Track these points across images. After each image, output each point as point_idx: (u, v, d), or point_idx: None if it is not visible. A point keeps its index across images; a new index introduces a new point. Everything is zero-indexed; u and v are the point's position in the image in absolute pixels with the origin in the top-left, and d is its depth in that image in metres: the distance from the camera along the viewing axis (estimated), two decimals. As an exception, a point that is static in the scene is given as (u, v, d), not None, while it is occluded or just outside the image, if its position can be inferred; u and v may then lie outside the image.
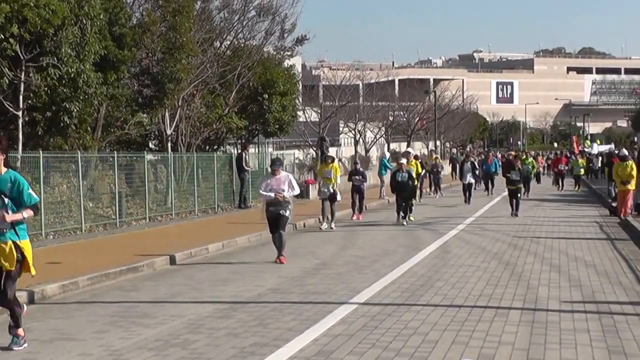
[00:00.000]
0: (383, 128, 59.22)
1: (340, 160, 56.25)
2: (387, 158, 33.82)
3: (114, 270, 12.89)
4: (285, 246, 14.23)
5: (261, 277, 12.47)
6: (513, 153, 33.82)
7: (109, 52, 19.98)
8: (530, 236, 18.31)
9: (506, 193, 25.72)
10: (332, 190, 20.47)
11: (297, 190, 14.35)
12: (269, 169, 14.95)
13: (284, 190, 14.04)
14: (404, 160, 22.25)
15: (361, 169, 24.12)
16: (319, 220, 21.18)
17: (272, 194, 14.04)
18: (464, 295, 10.57)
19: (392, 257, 14.79)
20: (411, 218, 22.09)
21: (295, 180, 14.71)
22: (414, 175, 22.29)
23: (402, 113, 63.57)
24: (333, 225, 20.53)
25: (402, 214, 21.44)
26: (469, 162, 30.11)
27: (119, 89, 21.18)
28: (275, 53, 32.14)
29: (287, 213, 14.21)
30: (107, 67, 20.14)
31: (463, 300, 10.18)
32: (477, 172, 32.28)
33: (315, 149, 40.21)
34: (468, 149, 51.55)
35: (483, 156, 42.49)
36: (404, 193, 21.39)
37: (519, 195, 23.95)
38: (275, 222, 14.17)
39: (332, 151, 46.34)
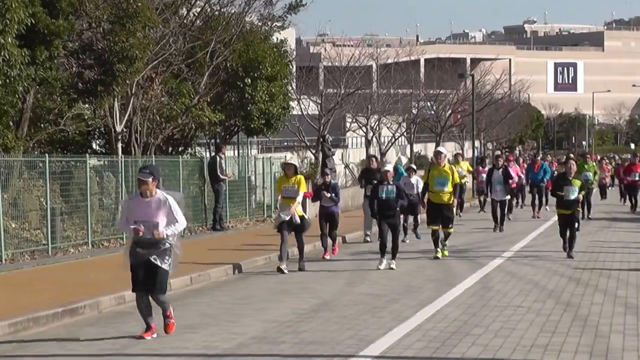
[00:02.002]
0: (404, 124, 59.29)
1: (347, 166, 56.43)
2: (403, 164, 33.18)
3: (45, 312, 12.87)
4: (169, 311, 11.68)
5: (241, 322, 12.47)
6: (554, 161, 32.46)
7: (39, 21, 20.00)
8: (598, 267, 18.34)
9: (557, 218, 21.40)
10: (296, 218, 18.09)
11: (182, 224, 11.55)
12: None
13: (157, 225, 11.32)
14: (389, 167, 19.70)
15: (333, 182, 21.70)
16: (279, 258, 18.33)
17: (137, 227, 11.35)
18: (511, 345, 10.60)
19: (416, 295, 14.82)
20: (445, 251, 20.37)
21: (181, 204, 11.69)
22: (449, 186, 20.04)
23: (429, 104, 63.69)
24: (304, 264, 18.52)
25: (388, 253, 18.72)
26: (501, 170, 28.47)
27: (51, 70, 21.19)
28: (260, 24, 32.21)
29: (165, 264, 11.43)
30: (36, 41, 20.15)
31: (510, 353, 10.21)
32: (513, 182, 30.26)
33: (314, 151, 40.25)
34: (517, 152, 51.45)
35: (530, 161, 42.01)
36: (390, 219, 18.67)
37: (576, 224, 20.54)
38: (144, 276, 11.48)
39: (336, 154, 46.42)
